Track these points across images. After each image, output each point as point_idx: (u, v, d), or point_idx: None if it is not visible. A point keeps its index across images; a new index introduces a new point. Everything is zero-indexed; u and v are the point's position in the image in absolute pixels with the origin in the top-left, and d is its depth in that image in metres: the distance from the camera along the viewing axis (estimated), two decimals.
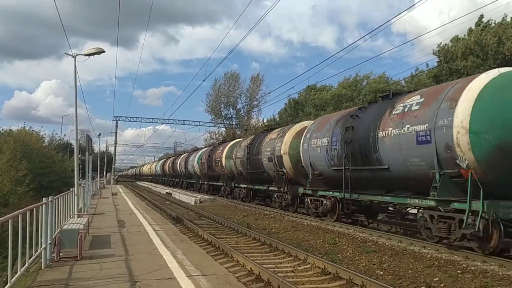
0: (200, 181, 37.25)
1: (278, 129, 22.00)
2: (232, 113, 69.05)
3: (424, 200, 10.45)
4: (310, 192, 16.18)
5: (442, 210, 9.96)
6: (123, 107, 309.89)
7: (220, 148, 31.45)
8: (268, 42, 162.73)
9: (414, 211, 12.33)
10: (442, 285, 7.29)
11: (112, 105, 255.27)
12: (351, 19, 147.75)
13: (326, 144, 14.90)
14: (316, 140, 15.73)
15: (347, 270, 7.94)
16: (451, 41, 29.38)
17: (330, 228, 13.60)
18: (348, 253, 10.13)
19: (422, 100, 10.75)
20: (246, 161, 24.14)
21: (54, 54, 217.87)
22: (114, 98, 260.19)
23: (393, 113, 11.55)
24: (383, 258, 9.31)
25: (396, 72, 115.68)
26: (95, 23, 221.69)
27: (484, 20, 28.30)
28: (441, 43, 30.22)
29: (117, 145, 70.55)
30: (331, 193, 14.81)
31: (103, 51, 13.67)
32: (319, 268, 8.47)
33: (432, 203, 10.10)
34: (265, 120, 58.47)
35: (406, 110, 11.07)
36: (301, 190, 17.10)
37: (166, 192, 39.75)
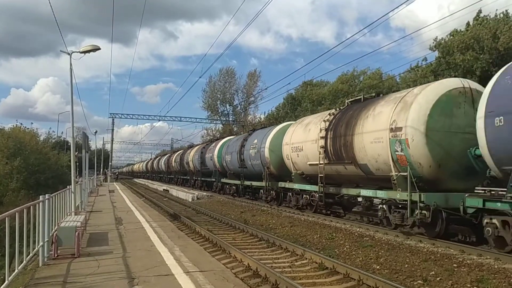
0: (165, 176, 58.91)
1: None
2: (228, 110, 68.99)
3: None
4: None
5: None
6: (121, 104, 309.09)
7: (173, 155, 52.65)
8: (267, 38, 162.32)
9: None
10: (438, 278, 7.34)
11: (111, 102, 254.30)
12: (351, 14, 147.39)
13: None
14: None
15: (343, 265, 7.99)
16: (450, 34, 29.27)
17: (327, 224, 13.66)
18: (345, 248, 10.18)
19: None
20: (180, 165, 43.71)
21: (52, 51, 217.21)
22: (109, 95, 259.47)
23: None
24: (380, 253, 9.37)
25: (395, 67, 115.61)
26: (93, 20, 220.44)
27: (482, 15, 28.24)
28: (436, 37, 30.17)
29: (114, 142, 70.41)
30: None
31: (99, 49, 13.62)
32: (316, 263, 8.52)
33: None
34: (262, 117, 58.50)
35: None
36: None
37: (163, 189, 39.75)
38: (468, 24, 28.47)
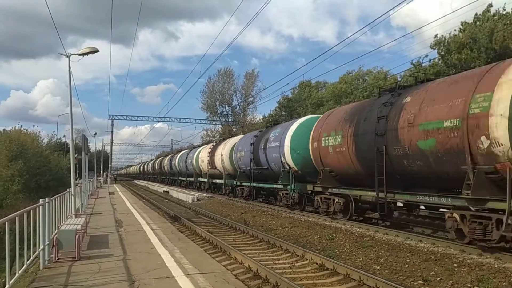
0: (151, 176, 73.25)
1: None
2: (227, 110, 68.96)
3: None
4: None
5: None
6: (121, 105, 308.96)
7: (156, 161, 69.53)
8: (268, 37, 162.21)
9: None
10: (438, 278, 7.35)
11: (111, 103, 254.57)
12: (352, 13, 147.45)
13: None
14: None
15: (344, 265, 8.01)
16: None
17: (327, 224, 13.66)
18: (345, 249, 10.19)
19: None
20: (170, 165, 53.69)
21: (53, 53, 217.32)
22: (109, 96, 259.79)
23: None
24: (380, 253, 9.38)
25: (396, 65, 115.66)
26: (94, 21, 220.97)
27: (493, 9, 27.76)
28: (436, 35, 29.97)
29: (113, 144, 70.38)
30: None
31: (97, 51, 13.61)
32: (317, 264, 8.53)
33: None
34: (260, 117, 58.69)
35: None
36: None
37: (164, 191, 39.74)
38: (476, 17, 28.01)
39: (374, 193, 12.12)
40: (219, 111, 68.59)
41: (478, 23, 27.48)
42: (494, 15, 27.02)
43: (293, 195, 17.53)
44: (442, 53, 28.29)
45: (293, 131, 17.93)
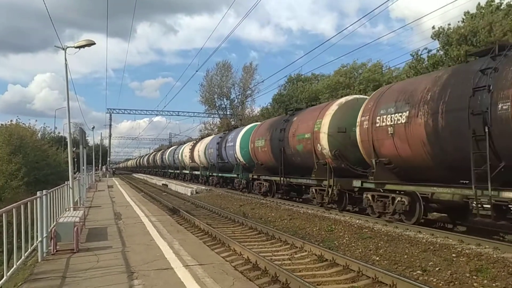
0: (147, 169, 78.67)
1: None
2: (226, 104, 68.82)
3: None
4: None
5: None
6: (119, 99, 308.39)
7: (150, 155, 76.45)
8: (267, 30, 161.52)
9: None
10: (437, 268, 7.36)
11: (109, 97, 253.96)
12: (352, 5, 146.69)
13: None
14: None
15: (343, 256, 8.00)
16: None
17: (326, 216, 13.68)
18: (345, 240, 10.20)
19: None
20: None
21: (50, 47, 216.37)
22: (106, 90, 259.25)
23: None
24: (379, 244, 9.39)
25: (395, 57, 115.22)
26: (91, 14, 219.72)
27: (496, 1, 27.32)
28: (434, 26, 29.69)
29: (112, 137, 70.36)
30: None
31: (93, 43, 13.53)
32: (316, 255, 8.53)
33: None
34: (258, 111, 58.58)
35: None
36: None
37: (162, 184, 39.76)
38: (479, 7, 27.66)
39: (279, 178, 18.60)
40: (217, 104, 68.54)
41: (483, 11, 27.11)
42: (499, 6, 26.62)
43: (242, 181, 24.11)
44: (443, 45, 28.00)
45: (242, 134, 24.00)
